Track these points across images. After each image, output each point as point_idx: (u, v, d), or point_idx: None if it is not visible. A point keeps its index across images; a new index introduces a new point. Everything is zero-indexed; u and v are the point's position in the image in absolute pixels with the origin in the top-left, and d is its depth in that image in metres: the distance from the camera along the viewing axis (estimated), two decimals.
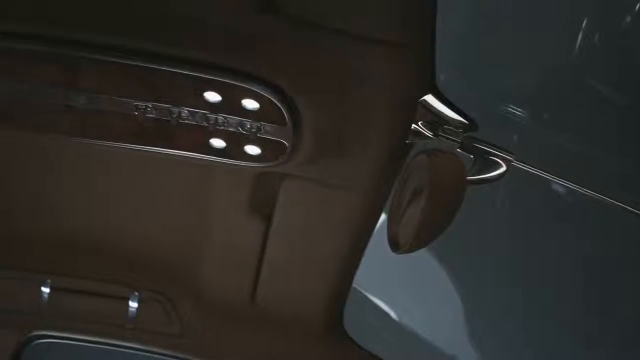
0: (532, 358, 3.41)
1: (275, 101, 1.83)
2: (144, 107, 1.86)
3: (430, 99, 1.92)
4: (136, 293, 2.39)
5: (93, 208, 2.30)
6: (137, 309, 2.39)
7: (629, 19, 3.17)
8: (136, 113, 1.86)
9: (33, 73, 1.84)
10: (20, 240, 2.34)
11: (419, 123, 1.95)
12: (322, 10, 1.72)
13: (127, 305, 2.38)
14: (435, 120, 1.95)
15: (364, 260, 2.27)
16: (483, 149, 1.98)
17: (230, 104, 1.85)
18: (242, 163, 1.95)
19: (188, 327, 2.45)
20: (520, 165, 2.03)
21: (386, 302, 3.41)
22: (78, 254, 2.36)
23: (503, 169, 1.99)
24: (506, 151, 1.99)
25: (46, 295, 2.37)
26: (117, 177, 2.23)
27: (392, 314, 3.43)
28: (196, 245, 2.31)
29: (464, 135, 1.96)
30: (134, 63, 1.82)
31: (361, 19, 1.73)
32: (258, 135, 1.88)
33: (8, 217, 2.31)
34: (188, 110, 1.86)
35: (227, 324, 2.45)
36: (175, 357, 2.48)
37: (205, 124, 1.87)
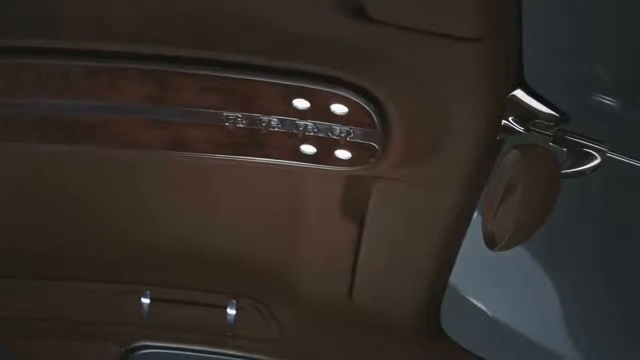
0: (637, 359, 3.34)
1: (364, 105, 1.83)
2: (234, 117, 1.88)
3: (519, 93, 1.90)
4: (234, 301, 2.42)
5: (188, 219, 2.34)
6: (236, 316, 2.42)
7: None
8: (227, 124, 1.88)
9: (124, 90, 1.87)
10: (119, 254, 2.39)
11: (510, 118, 1.93)
12: (408, 11, 1.72)
13: (226, 313, 2.42)
14: (526, 114, 1.92)
15: (459, 258, 2.26)
16: (576, 141, 1.94)
17: (319, 110, 1.85)
18: (334, 168, 1.95)
19: (286, 331, 2.48)
20: (614, 156, 1.99)
21: (483, 301, 3.38)
22: (176, 265, 2.40)
23: (597, 160, 1.95)
24: (599, 142, 1.95)
25: (147, 307, 2.41)
26: (210, 187, 2.26)
27: (490, 313, 3.40)
28: (290, 250, 2.34)
29: (556, 128, 1.93)
30: (222, 75, 1.84)
31: (447, 18, 1.72)
32: (348, 139, 1.89)
33: (107, 231, 2.37)
34: (277, 118, 1.88)
35: (324, 327, 2.47)
36: None
37: (295, 130, 1.89)
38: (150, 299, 2.41)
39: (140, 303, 2.41)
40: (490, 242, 1.97)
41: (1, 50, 1.81)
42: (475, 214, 2.13)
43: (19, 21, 1.77)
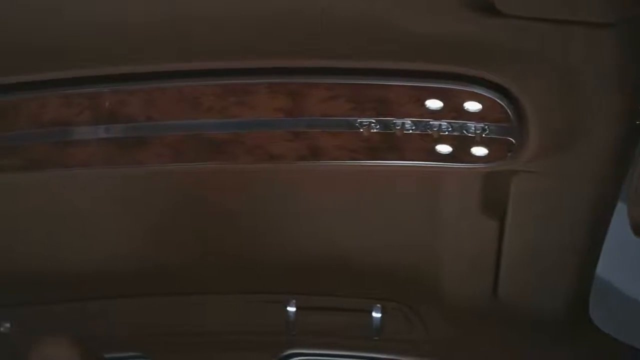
0: None
1: (498, 100, 1.81)
2: (367, 123, 1.89)
3: None
4: (378, 304, 2.42)
5: (329, 226, 2.37)
6: (381, 319, 2.43)
7: None
8: (361, 130, 1.90)
9: (255, 105, 1.91)
10: (264, 265, 2.43)
11: None
12: (537, 1, 1.69)
13: (371, 316, 2.42)
14: None
15: (606, 247, 2.21)
16: None
17: (452, 109, 1.85)
18: (471, 165, 1.95)
19: (432, 331, 2.47)
20: None
21: (634, 290, 3.29)
22: (319, 272, 2.43)
23: None
24: None
25: (293, 315, 2.44)
26: (348, 194, 2.28)
27: None
28: (432, 250, 2.33)
29: None
30: (352, 82, 1.86)
31: (579, 5, 1.68)
32: (483, 135, 1.87)
33: (251, 244, 2.41)
34: (411, 120, 1.88)
35: (470, 325, 2.45)
36: None
37: (429, 131, 1.89)
38: (296, 308, 2.44)
39: (287, 312, 2.44)
40: (637, 229, 1.92)
41: (138, 77, 1.87)
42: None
43: (151, 47, 1.83)
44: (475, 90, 1.81)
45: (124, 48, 1.81)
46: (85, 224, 2.40)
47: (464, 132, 1.88)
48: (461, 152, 1.92)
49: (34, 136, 1.97)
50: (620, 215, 2.02)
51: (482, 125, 1.86)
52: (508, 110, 1.83)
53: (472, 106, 1.84)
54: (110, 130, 1.97)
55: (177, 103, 1.90)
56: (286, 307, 2.44)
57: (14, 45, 1.78)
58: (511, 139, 1.88)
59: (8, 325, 2.47)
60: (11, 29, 1.76)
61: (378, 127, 1.89)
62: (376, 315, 2.42)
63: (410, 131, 1.89)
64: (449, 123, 1.87)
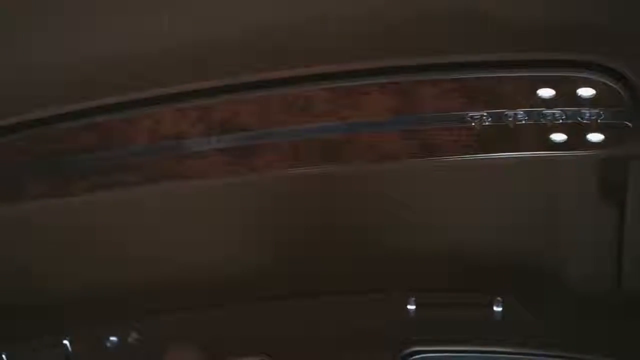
0: None
1: (612, 84, 1.79)
2: (479, 116, 1.88)
3: None
4: (499, 298, 2.40)
5: (444, 223, 2.36)
6: (502, 313, 2.41)
7: None
8: (473, 124, 1.89)
9: (367, 106, 1.92)
10: (380, 264, 2.44)
11: None
12: None
13: (492, 311, 2.41)
14: None
15: None
16: None
17: (565, 96, 1.83)
18: (587, 153, 1.92)
19: (554, 324, 2.43)
20: None
21: None
22: (436, 269, 2.42)
23: None
24: None
25: (413, 313, 2.44)
26: (462, 189, 2.27)
27: None
28: (551, 241, 2.30)
29: None
30: (463, 76, 1.85)
31: None
32: (599, 121, 1.85)
33: (366, 244, 2.42)
34: (523, 111, 1.87)
35: (593, 317, 2.40)
36: (546, 356, 2.46)
37: (542, 120, 1.87)
38: (416, 305, 2.44)
39: (406, 310, 2.44)
40: None
41: (249, 86, 1.91)
42: None
43: (261, 55, 1.85)
44: (588, 76, 1.79)
45: (235, 58, 1.84)
46: (199, 231, 2.44)
47: (579, 119, 1.86)
48: (576, 139, 1.89)
49: (150, 151, 2.03)
50: None
51: (596, 111, 1.84)
52: (622, 94, 1.80)
53: (586, 92, 1.82)
54: (223, 140, 2.00)
55: (288, 109, 1.93)
56: (406, 305, 2.45)
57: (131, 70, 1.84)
58: (627, 122, 1.85)
59: (136, 335, 2.53)
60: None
61: (490, 119, 1.89)
62: (497, 309, 2.41)
63: (523, 122, 1.88)
64: (562, 111, 1.85)
